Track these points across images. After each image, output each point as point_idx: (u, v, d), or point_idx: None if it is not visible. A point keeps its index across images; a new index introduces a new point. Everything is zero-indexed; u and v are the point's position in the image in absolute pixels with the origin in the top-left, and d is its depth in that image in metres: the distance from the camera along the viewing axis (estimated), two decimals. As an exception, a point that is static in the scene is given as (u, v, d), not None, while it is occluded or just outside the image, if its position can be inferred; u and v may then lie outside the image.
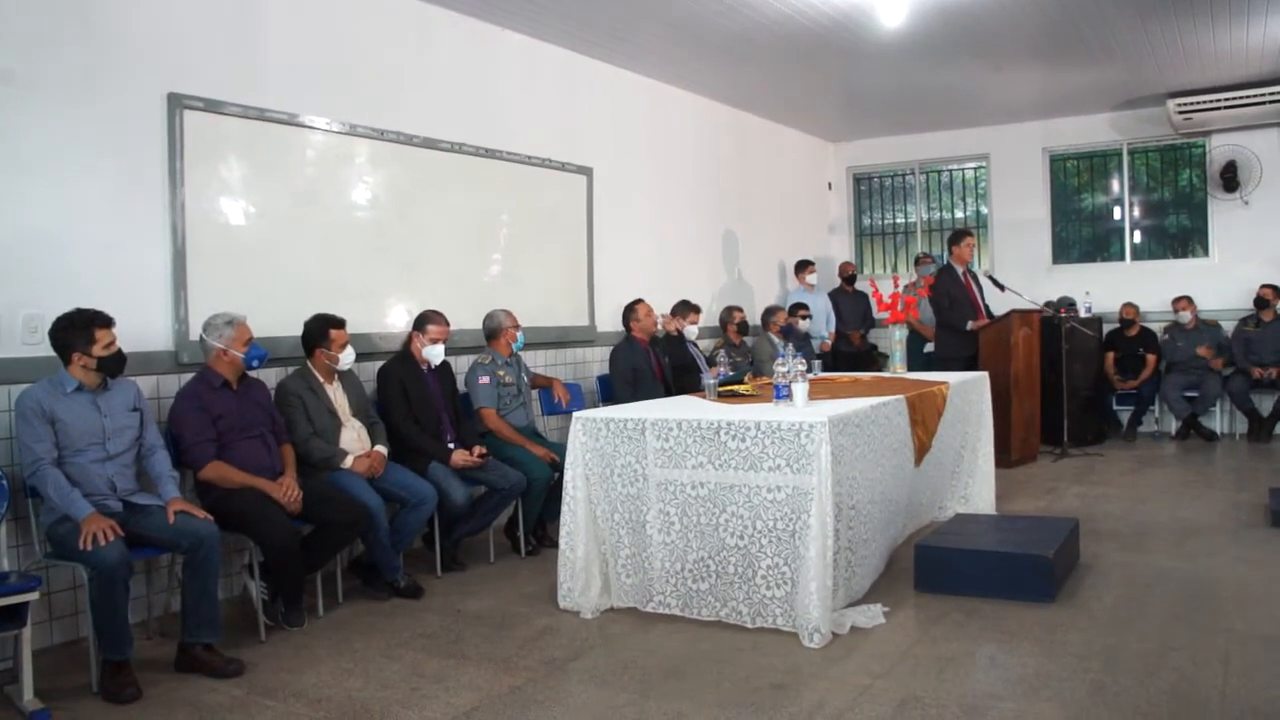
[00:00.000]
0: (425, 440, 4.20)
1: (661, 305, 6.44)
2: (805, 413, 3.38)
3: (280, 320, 4.04)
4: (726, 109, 7.81)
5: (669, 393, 5.38)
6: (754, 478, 3.30)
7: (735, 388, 4.19)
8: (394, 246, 4.79)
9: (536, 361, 5.56)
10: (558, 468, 4.27)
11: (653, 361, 5.55)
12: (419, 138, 4.92)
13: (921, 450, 4.19)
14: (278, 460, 3.55)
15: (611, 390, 5.61)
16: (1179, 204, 8.39)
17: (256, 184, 4.03)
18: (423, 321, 4.37)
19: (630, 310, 5.62)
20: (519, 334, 4.87)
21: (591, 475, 3.61)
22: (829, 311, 8.19)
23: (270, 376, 4.00)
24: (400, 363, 4.32)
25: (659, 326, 5.77)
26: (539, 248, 5.73)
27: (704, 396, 4.17)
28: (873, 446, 3.65)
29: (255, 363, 3.53)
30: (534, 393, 5.21)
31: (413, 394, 4.25)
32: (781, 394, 3.66)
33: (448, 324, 4.45)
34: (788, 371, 3.68)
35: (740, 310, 6.95)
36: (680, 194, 7.20)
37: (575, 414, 3.66)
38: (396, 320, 4.75)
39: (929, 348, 7.55)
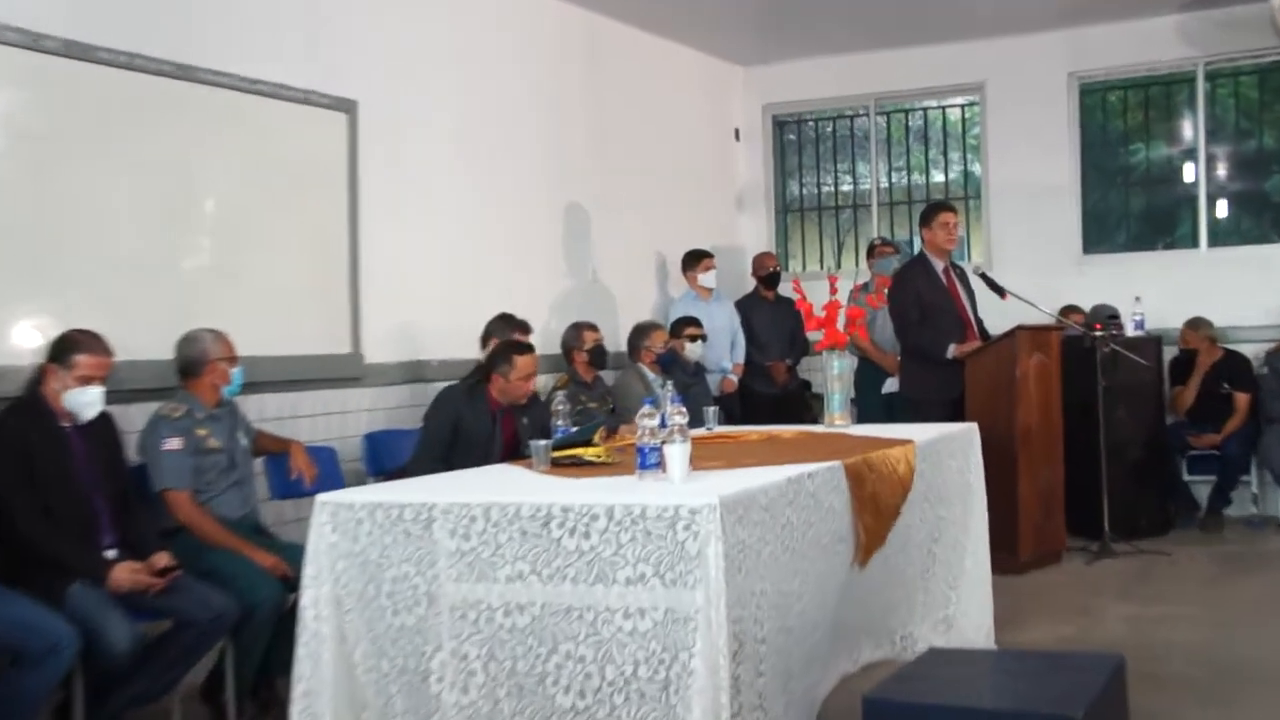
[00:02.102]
0: (62, 545, 4.16)
1: (467, 323, 6.53)
2: (686, 491, 3.43)
3: None
4: (578, 12, 7.96)
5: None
6: (604, 596, 3.32)
7: (579, 451, 4.24)
8: (15, 223, 4.71)
9: (264, 412, 5.56)
10: (293, 586, 4.25)
11: (498, 423, 5.65)
12: (56, 39, 4.85)
13: (870, 544, 4.32)
14: None
15: (401, 457, 5.70)
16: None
17: None
18: (65, 349, 4.33)
19: (502, 356, 5.66)
20: (235, 370, 4.86)
21: (346, 596, 3.61)
22: (735, 330, 8.41)
23: None
24: (20, 417, 4.28)
25: (532, 389, 5.84)
26: (270, 228, 5.70)
27: (529, 466, 4.20)
28: (793, 543, 3.72)
29: None
30: (258, 463, 5.21)
31: (42, 467, 4.21)
32: (649, 461, 3.71)
33: (109, 353, 4.41)
34: (661, 425, 3.78)
35: (594, 329, 7.08)
36: (500, 147, 7.28)
37: (320, 497, 3.65)
38: (17, 346, 4.68)
39: (889, 385, 7.87)
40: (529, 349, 5.79)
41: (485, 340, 6.36)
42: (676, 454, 3.66)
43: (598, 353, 7.01)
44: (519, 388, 5.67)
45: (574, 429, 4.68)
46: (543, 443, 4.23)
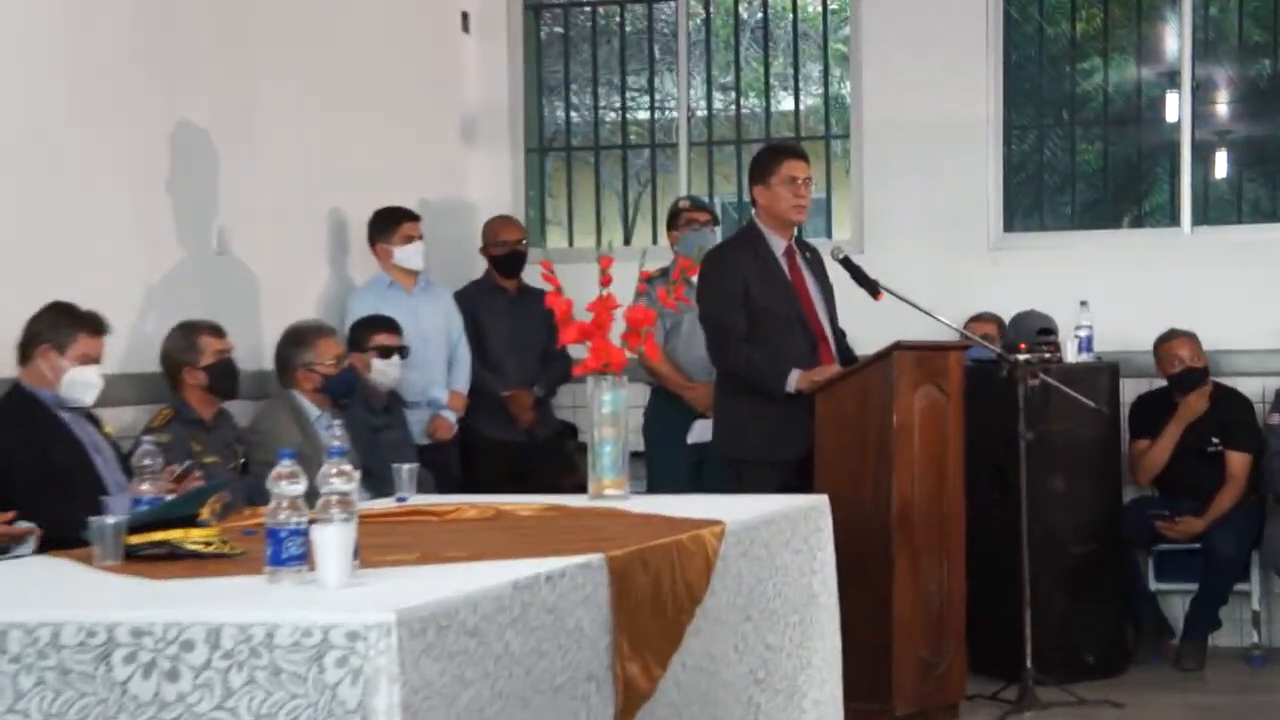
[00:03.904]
0: None
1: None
2: (343, 601, 3.42)
3: None
4: None
5: None
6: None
7: (175, 534, 4.19)
8: None
9: None
10: None
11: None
12: None
13: (634, 691, 4.30)
14: None
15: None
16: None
17: None
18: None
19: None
20: None
21: None
22: (455, 339, 8.47)
23: None
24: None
25: None
26: None
27: (86, 560, 4.14)
28: (513, 685, 3.69)
29: None
30: None
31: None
32: (287, 553, 3.68)
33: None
34: (312, 491, 3.73)
35: (216, 334, 6.99)
36: (47, 37, 7.10)
37: None
38: None
39: (698, 432, 8.00)
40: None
41: (28, 349, 6.18)
42: (332, 541, 3.63)
43: (222, 372, 6.91)
44: None
45: (170, 496, 4.61)
46: (110, 521, 4.14)
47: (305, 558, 3.66)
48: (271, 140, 8.22)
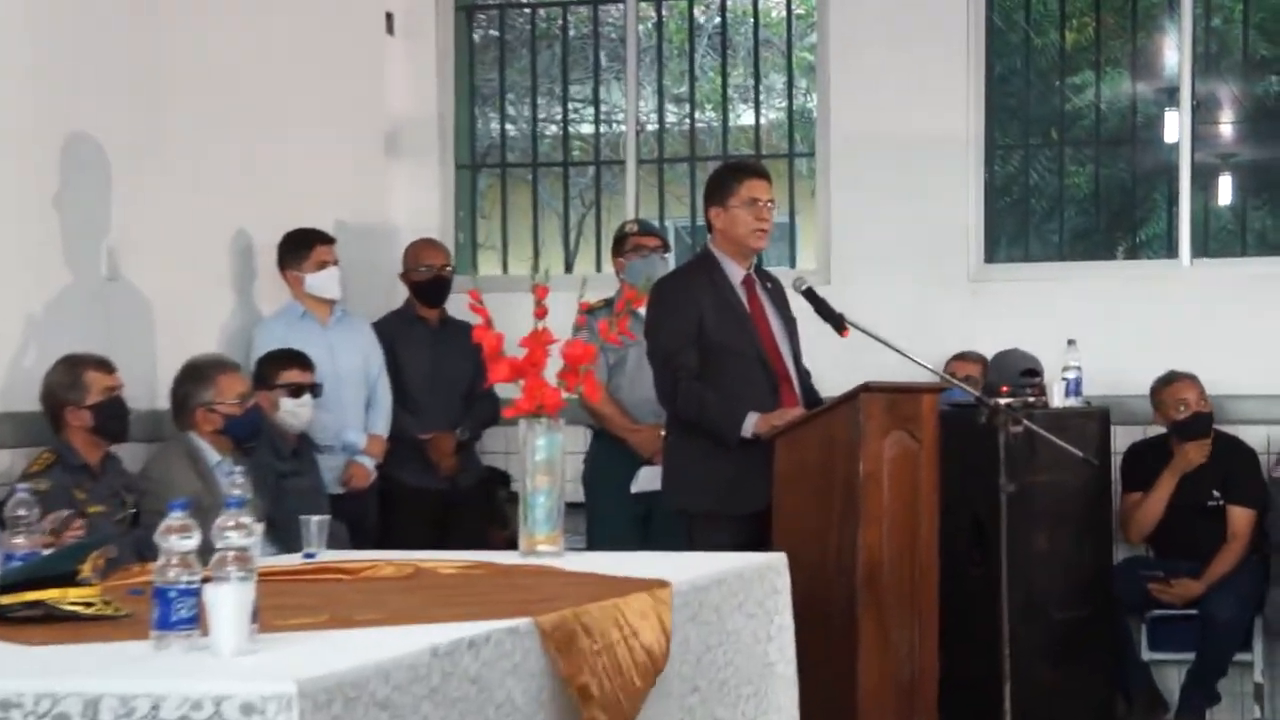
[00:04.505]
0: None
1: None
2: (239, 670, 3.40)
3: None
4: None
5: None
6: None
7: (51, 594, 4.16)
8: None
9: None
10: None
11: None
12: None
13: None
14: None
15: None
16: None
17: None
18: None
19: None
20: None
21: None
22: (375, 376, 8.48)
23: None
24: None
25: None
26: None
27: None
28: None
29: None
30: None
31: None
32: (177, 616, 3.65)
33: None
34: (207, 546, 3.68)
35: (105, 369, 6.96)
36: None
37: None
38: None
39: (644, 480, 8.01)
40: None
41: None
42: (227, 602, 3.60)
43: (111, 411, 6.88)
44: None
45: (47, 550, 4.58)
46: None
47: (197, 621, 3.62)
48: (170, 153, 8.20)
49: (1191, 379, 8.63)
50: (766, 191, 7.29)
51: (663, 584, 4.78)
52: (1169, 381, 8.65)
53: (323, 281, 8.26)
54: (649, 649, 4.62)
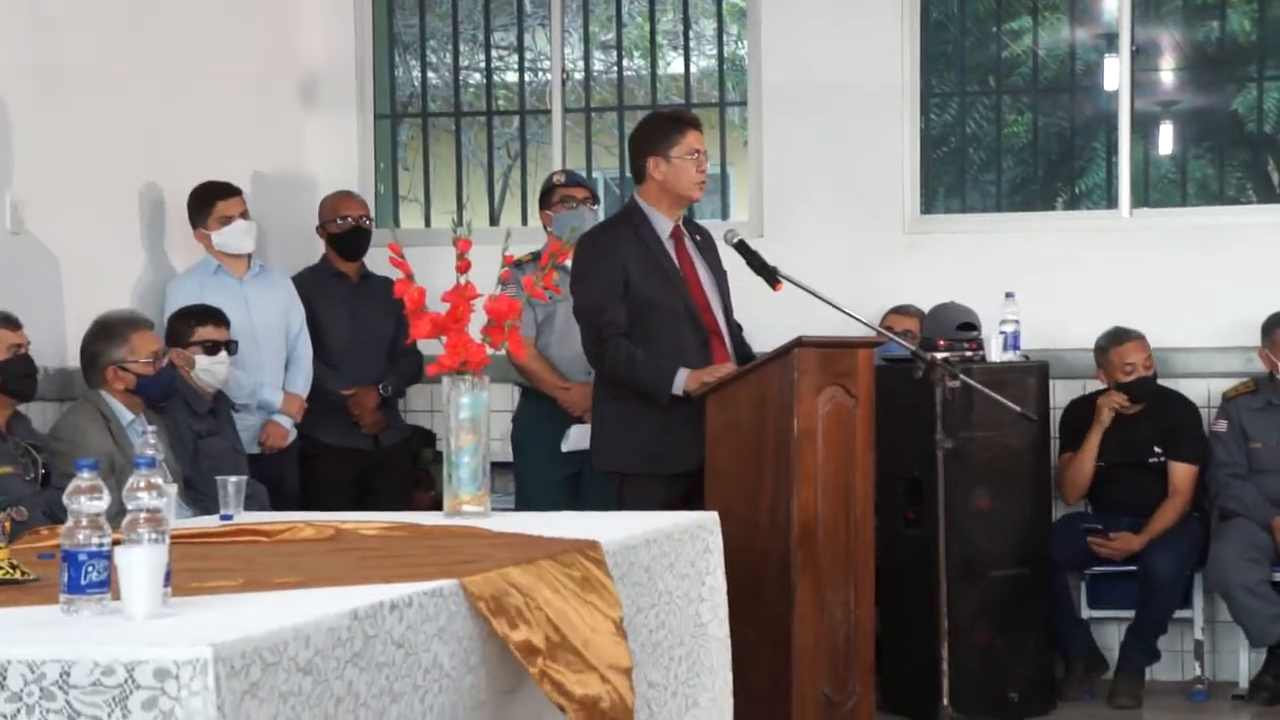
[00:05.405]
0: None
1: None
2: (151, 634, 3.36)
3: None
4: None
5: None
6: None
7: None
8: None
9: None
10: None
11: None
12: None
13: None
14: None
15: None
16: (1271, 49, 9.42)
17: None
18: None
19: None
20: None
21: None
22: (294, 333, 8.46)
23: None
24: None
25: None
26: None
27: None
28: None
29: None
30: None
31: None
32: (87, 579, 3.60)
33: None
34: (120, 508, 3.63)
35: (12, 326, 6.89)
36: None
37: None
38: None
39: (574, 438, 8.00)
40: None
41: None
42: (139, 565, 3.56)
43: (17, 370, 6.81)
44: None
45: (-47, 516, 4.52)
46: None
47: (108, 584, 3.58)
48: (77, 103, 8.12)
49: (1140, 339, 8.64)
50: (699, 141, 7.26)
51: (592, 544, 4.76)
52: (1119, 341, 8.66)
53: (228, 237, 8.20)
54: (592, 602, 4.60)
